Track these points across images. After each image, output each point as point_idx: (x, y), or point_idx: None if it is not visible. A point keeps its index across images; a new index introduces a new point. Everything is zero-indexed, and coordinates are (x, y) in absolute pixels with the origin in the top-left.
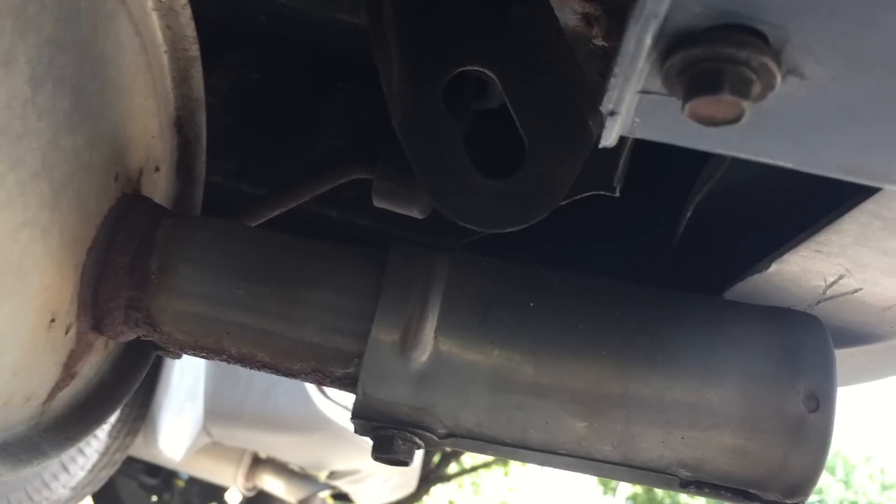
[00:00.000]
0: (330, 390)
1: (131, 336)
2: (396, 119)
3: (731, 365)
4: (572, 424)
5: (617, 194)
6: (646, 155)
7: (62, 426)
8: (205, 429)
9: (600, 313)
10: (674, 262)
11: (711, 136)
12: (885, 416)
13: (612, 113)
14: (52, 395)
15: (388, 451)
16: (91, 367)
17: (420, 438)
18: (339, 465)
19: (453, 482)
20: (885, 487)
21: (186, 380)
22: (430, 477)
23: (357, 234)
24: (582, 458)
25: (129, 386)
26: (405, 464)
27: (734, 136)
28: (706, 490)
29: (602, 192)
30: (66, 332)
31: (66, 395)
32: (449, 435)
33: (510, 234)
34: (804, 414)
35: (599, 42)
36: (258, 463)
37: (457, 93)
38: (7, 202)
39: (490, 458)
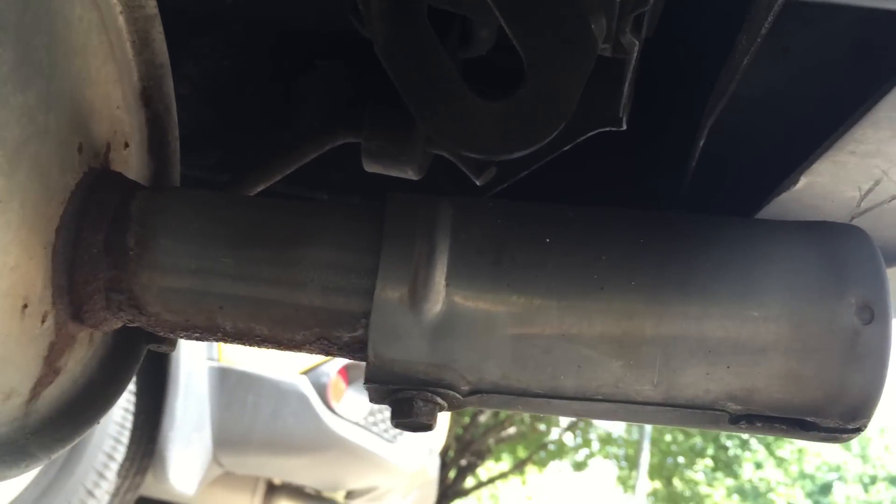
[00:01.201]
0: (339, 407)
1: (116, 323)
2: (378, 44)
3: (772, 283)
4: (607, 365)
5: (624, 127)
6: (649, 87)
7: (50, 427)
8: (215, 459)
9: (624, 243)
10: (691, 195)
11: None
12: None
13: None
14: (35, 393)
15: (408, 415)
16: (77, 362)
17: (442, 398)
18: (354, 484)
19: (472, 496)
20: None
21: (192, 410)
22: (448, 493)
23: None
24: (621, 401)
25: (121, 384)
26: (429, 427)
27: None
28: (758, 424)
29: (609, 129)
30: (43, 321)
31: (52, 393)
32: (473, 391)
33: (513, 189)
34: (858, 327)
35: None
36: (273, 490)
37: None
38: None
39: (506, 469)
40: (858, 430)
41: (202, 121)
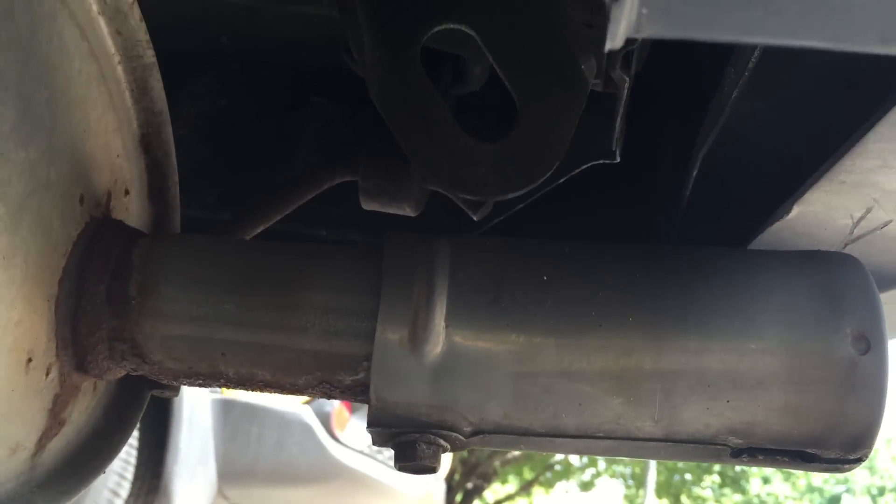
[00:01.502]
0: (343, 436)
1: (119, 372)
2: (373, 90)
3: (769, 315)
4: (607, 402)
5: (617, 160)
6: (640, 119)
7: (56, 479)
8: (220, 492)
9: (621, 278)
10: (685, 227)
11: (731, 21)
12: None
13: None
14: (41, 446)
15: (412, 458)
16: (81, 412)
17: (445, 440)
18: None
19: None
20: None
21: (195, 444)
22: None
23: None
24: (622, 438)
25: (125, 431)
26: (433, 470)
27: (757, 16)
28: (760, 457)
29: (602, 161)
30: (48, 374)
31: (57, 444)
32: (476, 432)
33: (510, 221)
34: (855, 357)
35: None
36: None
37: (433, 79)
38: None
39: (513, 491)
40: (860, 460)
41: (200, 160)
